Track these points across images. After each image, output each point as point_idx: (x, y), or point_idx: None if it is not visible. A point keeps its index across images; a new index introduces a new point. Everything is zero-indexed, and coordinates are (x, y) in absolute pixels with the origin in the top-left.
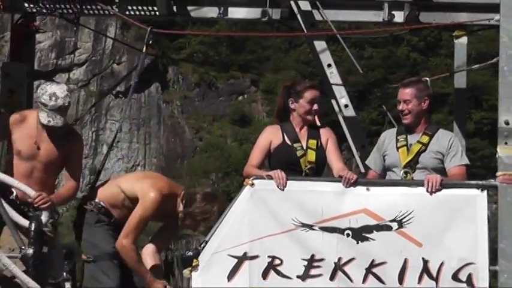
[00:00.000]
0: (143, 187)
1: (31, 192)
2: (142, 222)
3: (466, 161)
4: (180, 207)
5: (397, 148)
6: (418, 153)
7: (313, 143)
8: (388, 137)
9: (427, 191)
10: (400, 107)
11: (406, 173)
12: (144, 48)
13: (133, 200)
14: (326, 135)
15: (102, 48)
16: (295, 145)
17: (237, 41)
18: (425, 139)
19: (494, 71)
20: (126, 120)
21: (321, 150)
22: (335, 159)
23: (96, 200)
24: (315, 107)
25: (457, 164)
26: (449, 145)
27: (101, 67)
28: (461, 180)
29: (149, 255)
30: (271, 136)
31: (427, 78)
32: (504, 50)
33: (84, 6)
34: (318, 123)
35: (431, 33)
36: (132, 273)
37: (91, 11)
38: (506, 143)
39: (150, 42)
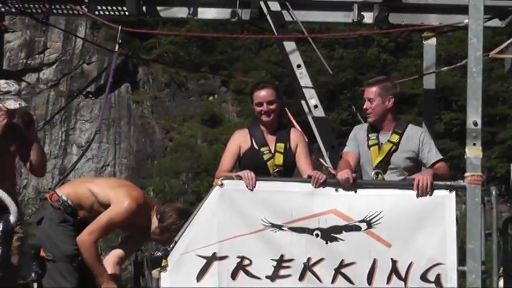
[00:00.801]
0: (118, 195)
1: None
2: (111, 225)
3: (440, 156)
4: (155, 222)
5: (369, 146)
6: (390, 153)
7: (281, 146)
8: (359, 132)
9: (417, 196)
10: (364, 106)
11: (377, 173)
12: (117, 47)
13: (105, 206)
14: (296, 139)
15: (72, 48)
16: (262, 149)
17: (207, 42)
18: (395, 138)
19: (463, 72)
20: (96, 120)
21: (289, 153)
22: (304, 163)
23: (64, 198)
24: (264, 108)
25: (436, 159)
26: (420, 141)
27: (70, 67)
28: (446, 173)
29: (109, 265)
30: (239, 141)
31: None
32: (473, 51)
33: (53, 6)
34: (293, 121)
35: (401, 34)
36: (91, 276)
37: (60, 11)
38: (474, 144)
39: (120, 41)
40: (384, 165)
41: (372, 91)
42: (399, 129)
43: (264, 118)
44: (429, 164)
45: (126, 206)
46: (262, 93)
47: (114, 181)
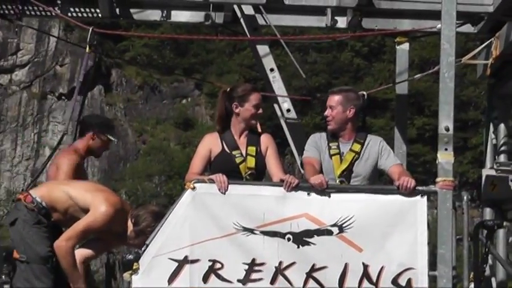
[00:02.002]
0: (96, 199)
1: None
2: (88, 232)
3: (399, 161)
4: (130, 226)
5: (330, 156)
6: (352, 162)
7: (252, 149)
8: (319, 140)
9: (401, 188)
10: (325, 113)
11: (341, 182)
12: (87, 48)
13: (82, 210)
14: (266, 142)
15: (45, 50)
16: (234, 152)
17: (181, 44)
18: (357, 147)
19: (436, 78)
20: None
21: (260, 157)
22: (274, 166)
23: (38, 199)
24: (260, 111)
25: (395, 163)
26: (380, 148)
27: (43, 69)
28: (406, 174)
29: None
30: (210, 144)
31: (364, 93)
32: (445, 56)
33: (26, 7)
34: (259, 129)
35: (374, 38)
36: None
37: (33, 12)
38: (446, 149)
39: (95, 42)
40: (347, 173)
41: (334, 99)
42: (360, 139)
43: (254, 122)
44: (387, 167)
45: (104, 211)
46: (260, 97)
47: (90, 185)
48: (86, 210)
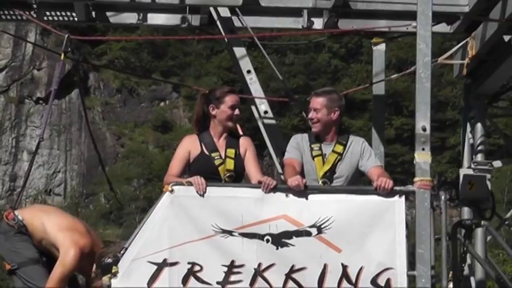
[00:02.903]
0: (65, 241)
1: None
2: (63, 280)
3: (379, 162)
4: (94, 267)
5: (313, 157)
6: (335, 163)
7: (231, 152)
8: (301, 142)
9: (379, 189)
10: (310, 115)
11: (324, 183)
12: (62, 56)
13: (53, 245)
14: (245, 145)
15: (22, 54)
16: (213, 154)
17: (158, 47)
18: (339, 148)
19: (414, 78)
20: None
21: (239, 159)
22: (253, 168)
23: (19, 218)
24: (237, 111)
25: (375, 164)
26: (362, 149)
27: (20, 73)
28: (386, 176)
29: None
30: (189, 146)
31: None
32: (421, 56)
33: (1, 12)
34: (240, 132)
35: (351, 39)
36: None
37: (9, 17)
38: (423, 149)
39: (69, 49)
40: (329, 174)
41: (318, 101)
42: (343, 140)
43: (231, 124)
44: (367, 169)
45: (72, 256)
46: (236, 98)
47: (67, 222)
48: (56, 248)
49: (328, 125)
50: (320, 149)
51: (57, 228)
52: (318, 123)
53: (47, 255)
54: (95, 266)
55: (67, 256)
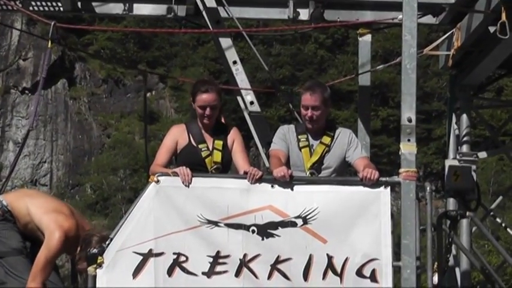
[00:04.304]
0: (50, 224)
1: None
2: (49, 263)
3: (366, 154)
4: (78, 250)
5: (300, 148)
6: (323, 155)
7: (219, 143)
8: (288, 133)
9: (364, 180)
10: (308, 113)
11: (312, 174)
12: (49, 43)
13: (38, 229)
14: (232, 136)
15: (8, 44)
16: (200, 146)
17: (144, 38)
18: (327, 140)
19: (400, 69)
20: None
21: (227, 151)
22: (241, 160)
23: (4, 203)
24: (207, 112)
25: (361, 155)
26: (349, 141)
27: (6, 63)
28: (372, 168)
29: None
30: (177, 136)
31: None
32: (407, 48)
33: None
34: (223, 121)
35: (338, 30)
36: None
37: None
38: (409, 140)
39: (56, 38)
40: (317, 166)
41: (316, 99)
42: (330, 131)
43: (205, 121)
44: (353, 160)
45: (57, 238)
46: (206, 97)
47: (51, 204)
48: (41, 231)
49: (324, 120)
50: (307, 140)
51: (41, 211)
52: (317, 121)
53: (32, 240)
54: (79, 248)
55: (52, 239)
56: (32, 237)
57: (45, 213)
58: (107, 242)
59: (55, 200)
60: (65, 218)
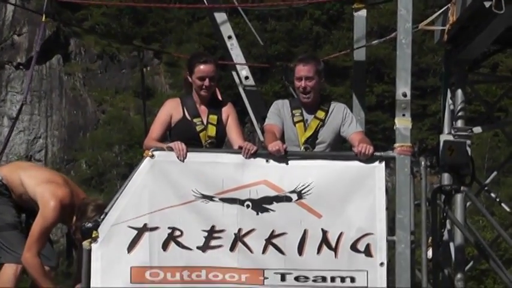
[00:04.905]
0: (44, 194)
1: None
2: (44, 233)
3: (360, 128)
4: (74, 220)
5: (294, 123)
6: (317, 129)
7: (213, 118)
8: (282, 108)
9: (359, 154)
10: (302, 84)
11: (306, 148)
12: (44, 17)
13: (32, 200)
14: (227, 111)
15: (2, 19)
16: (195, 120)
17: (139, 13)
18: (321, 114)
19: (395, 45)
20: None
21: (221, 126)
22: (235, 134)
23: None
24: (206, 83)
25: (356, 130)
26: (344, 115)
27: (0, 38)
28: (367, 142)
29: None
30: (171, 110)
31: None
32: (402, 23)
33: None
34: (219, 97)
35: (333, 6)
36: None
37: None
38: (404, 115)
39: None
40: (312, 140)
41: (309, 69)
42: (325, 106)
43: (203, 93)
44: (349, 134)
45: (52, 208)
46: (205, 68)
47: (45, 174)
48: (35, 201)
49: (318, 92)
50: (301, 115)
51: (34, 182)
52: (311, 92)
53: (28, 210)
54: (75, 218)
55: (47, 209)
56: (27, 208)
57: (39, 183)
58: (102, 217)
59: (48, 170)
60: (58, 187)
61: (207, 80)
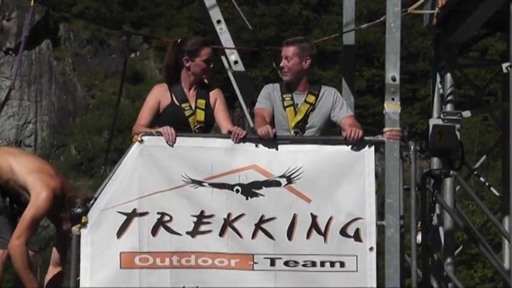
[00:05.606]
0: (36, 184)
1: None
2: (35, 223)
3: (351, 113)
4: (63, 210)
5: (284, 107)
6: (307, 114)
7: (202, 102)
8: (272, 92)
9: (349, 138)
10: (281, 64)
11: (296, 133)
12: (32, 1)
13: (21, 187)
14: (215, 95)
15: None
16: (183, 105)
17: None
18: (311, 99)
19: (385, 29)
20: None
21: (209, 110)
22: (223, 118)
23: None
24: (211, 65)
25: (347, 114)
26: (334, 100)
27: None
28: (357, 127)
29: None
30: (159, 96)
31: None
32: (391, 6)
33: None
34: (206, 81)
35: None
36: None
37: None
38: (393, 99)
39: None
40: (302, 125)
41: (290, 50)
42: (315, 90)
43: (204, 76)
44: (339, 119)
45: (44, 197)
46: (211, 51)
47: (36, 164)
48: (24, 189)
49: (300, 74)
50: (292, 99)
51: (26, 170)
52: (288, 72)
53: (12, 195)
54: (63, 209)
55: (39, 198)
56: (12, 193)
57: (30, 172)
58: (91, 202)
59: (38, 159)
60: (50, 178)
61: (211, 62)
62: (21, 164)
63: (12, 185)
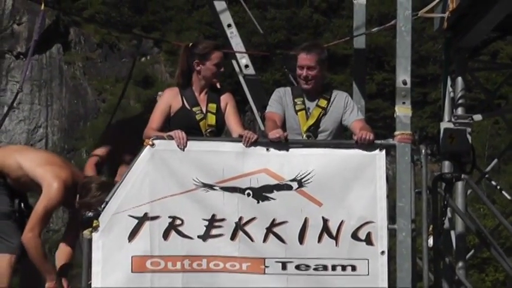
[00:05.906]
0: (46, 176)
1: None
2: (48, 214)
3: (362, 116)
4: (77, 199)
5: (296, 111)
6: (319, 118)
7: (213, 106)
8: (284, 96)
9: (360, 140)
10: (303, 73)
11: (308, 137)
12: (43, 6)
13: (32, 182)
14: (225, 99)
15: (2, 9)
16: (194, 109)
17: (139, 2)
18: (323, 103)
19: (396, 33)
20: (27, 82)
21: (220, 114)
22: (234, 122)
23: None
24: (222, 69)
25: (357, 118)
26: (345, 103)
27: (0, 28)
28: (367, 130)
29: (63, 253)
30: (170, 100)
31: None
32: (402, 10)
33: None
34: (218, 86)
35: None
36: None
37: None
38: (404, 103)
39: (50, 1)
40: (314, 129)
41: (312, 59)
42: (327, 95)
43: (215, 80)
44: (350, 122)
45: (56, 188)
46: (222, 55)
47: (43, 156)
48: (36, 183)
49: (320, 81)
50: (303, 103)
51: (34, 164)
52: (313, 81)
53: (21, 195)
54: (78, 196)
55: (51, 189)
56: (22, 193)
57: (39, 165)
58: (102, 206)
59: (45, 152)
60: (60, 169)
61: (222, 67)
62: (29, 158)
63: (23, 182)
